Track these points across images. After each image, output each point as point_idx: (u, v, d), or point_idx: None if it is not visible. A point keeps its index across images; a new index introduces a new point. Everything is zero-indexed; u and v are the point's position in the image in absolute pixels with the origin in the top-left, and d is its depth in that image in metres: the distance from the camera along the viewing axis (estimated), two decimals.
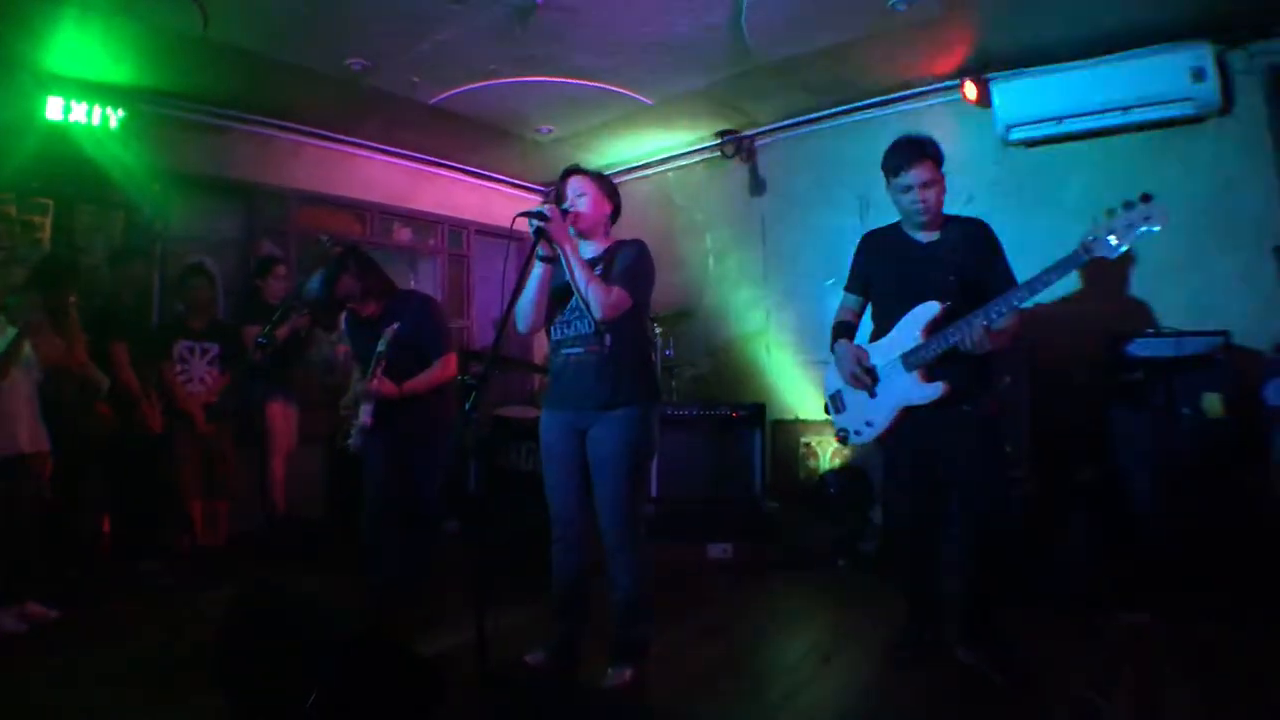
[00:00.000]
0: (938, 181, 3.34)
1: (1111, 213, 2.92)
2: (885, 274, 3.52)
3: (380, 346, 3.93)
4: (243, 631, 2.86)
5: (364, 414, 4.01)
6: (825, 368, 3.77)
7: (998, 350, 3.19)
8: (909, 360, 3.32)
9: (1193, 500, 3.96)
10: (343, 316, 4.43)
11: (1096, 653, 3.49)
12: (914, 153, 3.33)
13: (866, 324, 3.67)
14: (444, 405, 4.19)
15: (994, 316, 3.09)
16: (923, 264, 3.38)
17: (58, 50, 4.83)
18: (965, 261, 3.33)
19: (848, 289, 3.69)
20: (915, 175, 3.31)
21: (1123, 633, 3.68)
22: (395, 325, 3.95)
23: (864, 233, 3.71)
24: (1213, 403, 4.06)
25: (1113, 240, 2.90)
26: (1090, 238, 2.95)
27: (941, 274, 3.32)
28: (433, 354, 4.12)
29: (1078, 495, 4.28)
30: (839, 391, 3.65)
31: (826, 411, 3.77)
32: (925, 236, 3.44)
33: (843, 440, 3.65)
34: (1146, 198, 2.88)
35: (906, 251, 3.46)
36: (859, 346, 3.51)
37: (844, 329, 3.60)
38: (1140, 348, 4.39)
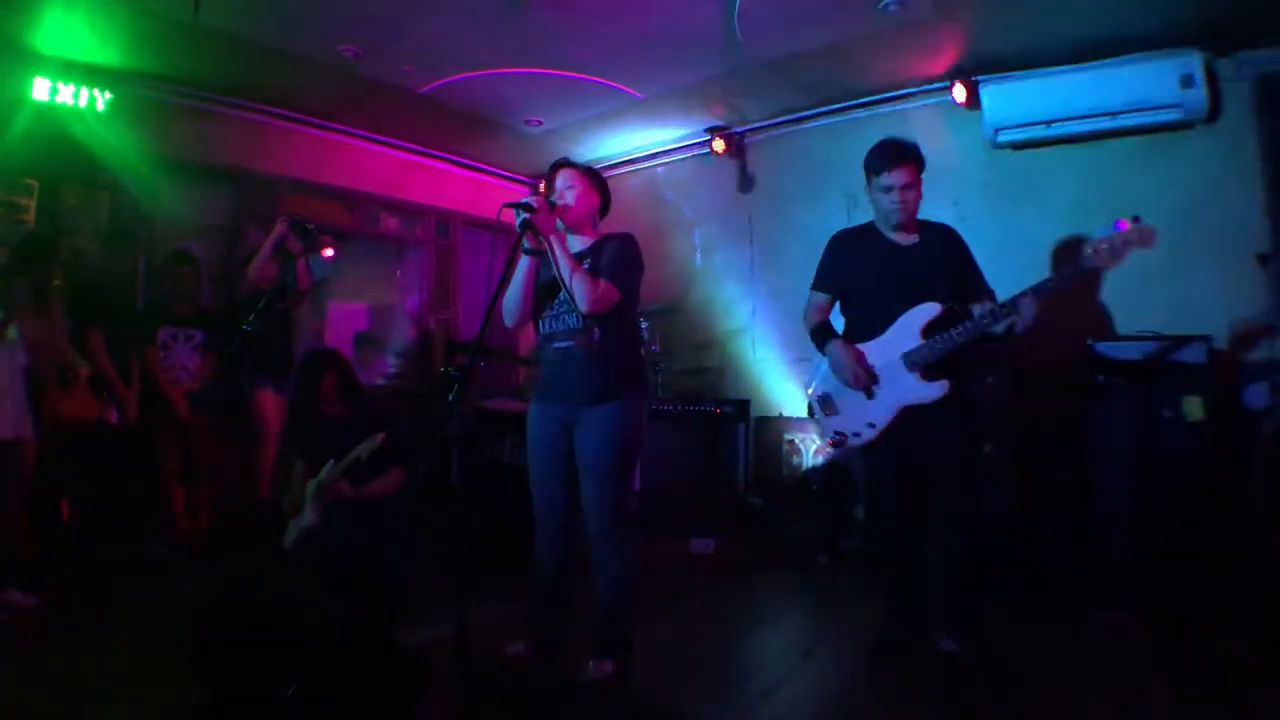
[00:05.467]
0: (917, 185, 3.42)
1: (1107, 230, 3.11)
2: (865, 274, 3.55)
3: (363, 451, 4.03)
4: (225, 621, 2.85)
5: (311, 514, 4.09)
6: (806, 366, 3.79)
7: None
8: (911, 359, 3.36)
9: (1172, 502, 3.99)
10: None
11: (1076, 651, 3.53)
12: (897, 155, 3.40)
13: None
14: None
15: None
16: (910, 266, 3.44)
17: (46, 30, 4.78)
18: (949, 265, 3.43)
19: (817, 287, 3.70)
20: (896, 177, 3.39)
21: (1102, 631, 3.72)
22: (381, 435, 4.09)
23: (833, 233, 3.75)
24: (1193, 406, 4.09)
25: (1102, 262, 3.14)
26: (1090, 250, 3.12)
27: (931, 277, 3.39)
28: (390, 463, 4.27)
29: (1058, 495, 4.31)
30: (828, 394, 3.64)
31: (811, 414, 3.77)
32: (903, 239, 3.51)
33: (839, 444, 3.61)
34: (1137, 220, 3.05)
35: (887, 253, 3.51)
36: (856, 347, 3.50)
37: (829, 329, 3.61)
38: (1122, 350, 4.42)
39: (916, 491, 3.46)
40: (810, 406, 3.76)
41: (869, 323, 3.50)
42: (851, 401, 3.54)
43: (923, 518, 3.48)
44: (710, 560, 5.26)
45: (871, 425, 3.48)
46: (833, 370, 3.57)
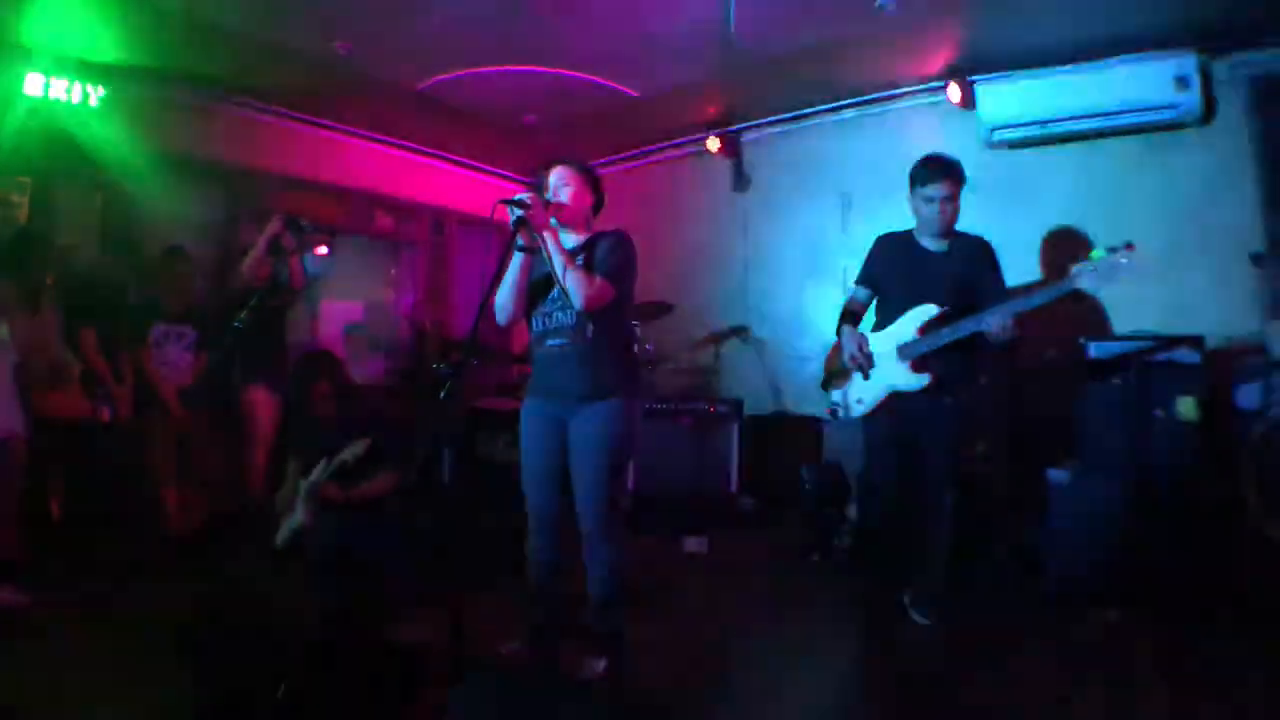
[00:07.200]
0: (955, 199, 3.72)
1: (1098, 254, 3.29)
2: (894, 274, 3.89)
3: (347, 455, 4.09)
4: (217, 620, 2.84)
5: (303, 514, 4.09)
6: (813, 359, 3.92)
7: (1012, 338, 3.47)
8: (904, 351, 3.71)
9: (1164, 502, 3.99)
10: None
11: (1070, 649, 3.54)
12: (940, 170, 3.72)
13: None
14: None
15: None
16: (930, 270, 3.76)
17: (38, 25, 4.75)
18: (967, 273, 3.73)
19: (858, 283, 4.07)
20: (938, 190, 3.69)
21: (1096, 630, 3.72)
22: (368, 440, 4.14)
23: (878, 235, 4.05)
24: (1187, 406, 4.10)
25: (1089, 284, 3.31)
26: (1076, 269, 3.31)
27: (944, 281, 3.70)
28: (381, 464, 4.30)
29: (1052, 494, 4.32)
30: (836, 372, 4.03)
31: (824, 387, 4.20)
32: (935, 245, 3.81)
33: (833, 414, 4.10)
34: (1130, 246, 3.24)
35: (917, 256, 3.84)
36: (861, 333, 3.91)
37: (850, 317, 4.00)
38: (1116, 350, 4.43)
39: (912, 475, 3.79)
40: (824, 379, 4.22)
41: (886, 316, 3.90)
42: (852, 380, 3.97)
43: (916, 502, 3.80)
44: (703, 559, 5.26)
45: (860, 401, 3.95)
46: (839, 351, 3.95)
